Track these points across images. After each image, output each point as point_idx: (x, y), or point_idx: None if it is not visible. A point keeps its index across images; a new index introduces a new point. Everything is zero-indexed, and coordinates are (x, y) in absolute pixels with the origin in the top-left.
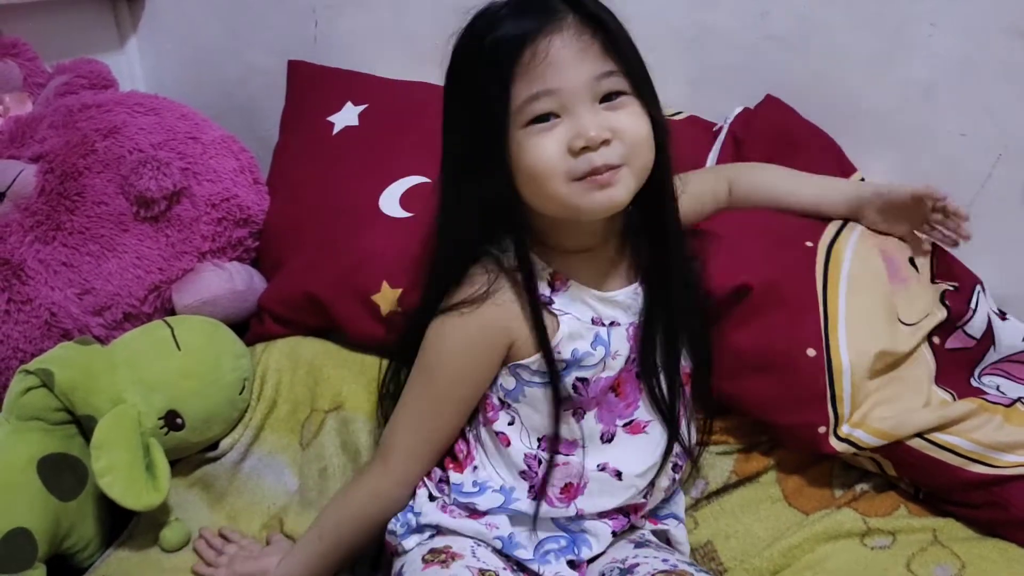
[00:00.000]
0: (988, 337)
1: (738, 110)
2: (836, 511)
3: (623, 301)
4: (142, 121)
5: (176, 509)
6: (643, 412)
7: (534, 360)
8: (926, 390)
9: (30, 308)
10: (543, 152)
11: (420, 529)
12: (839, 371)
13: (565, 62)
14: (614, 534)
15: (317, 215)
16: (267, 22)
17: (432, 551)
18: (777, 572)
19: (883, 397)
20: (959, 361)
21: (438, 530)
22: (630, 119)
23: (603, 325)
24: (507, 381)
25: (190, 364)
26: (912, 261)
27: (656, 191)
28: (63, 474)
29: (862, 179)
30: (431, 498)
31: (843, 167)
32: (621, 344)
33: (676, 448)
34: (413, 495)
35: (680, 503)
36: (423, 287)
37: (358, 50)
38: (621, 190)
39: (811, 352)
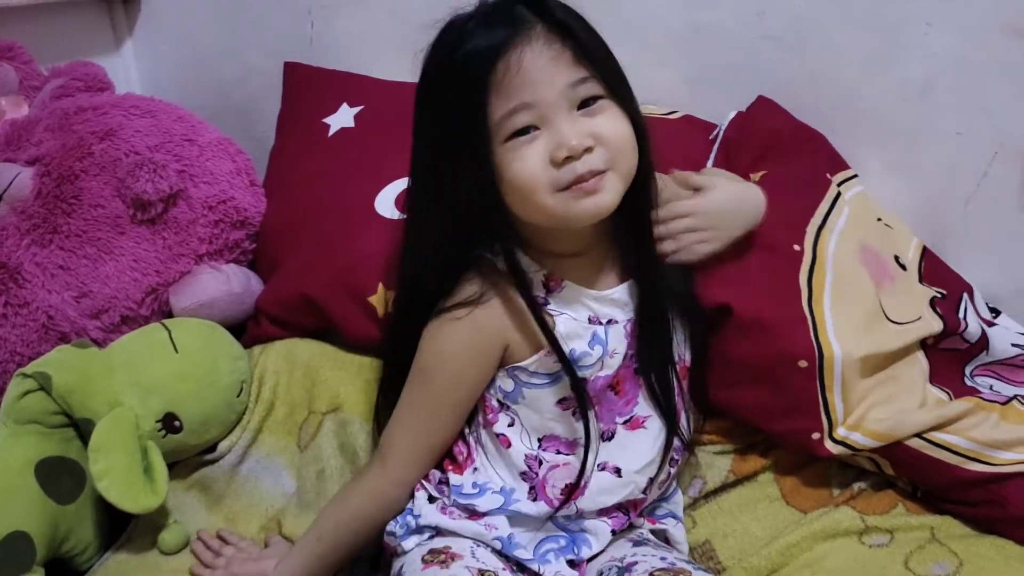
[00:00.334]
0: (982, 342)
1: (732, 115)
2: (834, 509)
3: (619, 299)
4: (138, 123)
5: (174, 512)
6: (642, 408)
7: (532, 362)
8: (921, 390)
9: (27, 311)
10: (526, 166)
11: (419, 530)
12: (830, 378)
13: (538, 73)
14: (613, 533)
15: (313, 217)
16: (263, 24)
17: (432, 551)
18: (775, 571)
19: (879, 398)
20: (951, 359)
21: (437, 531)
22: (610, 123)
23: (600, 324)
24: (505, 383)
25: (187, 367)
26: (898, 259)
27: (637, 189)
28: (61, 477)
29: (854, 176)
30: (431, 500)
31: (836, 166)
32: (618, 342)
33: (675, 442)
34: (411, 497)
35: (678, 502)
36: (396, 292)
37: (354, 51)
38: (608, 195)
39: (803, 364)
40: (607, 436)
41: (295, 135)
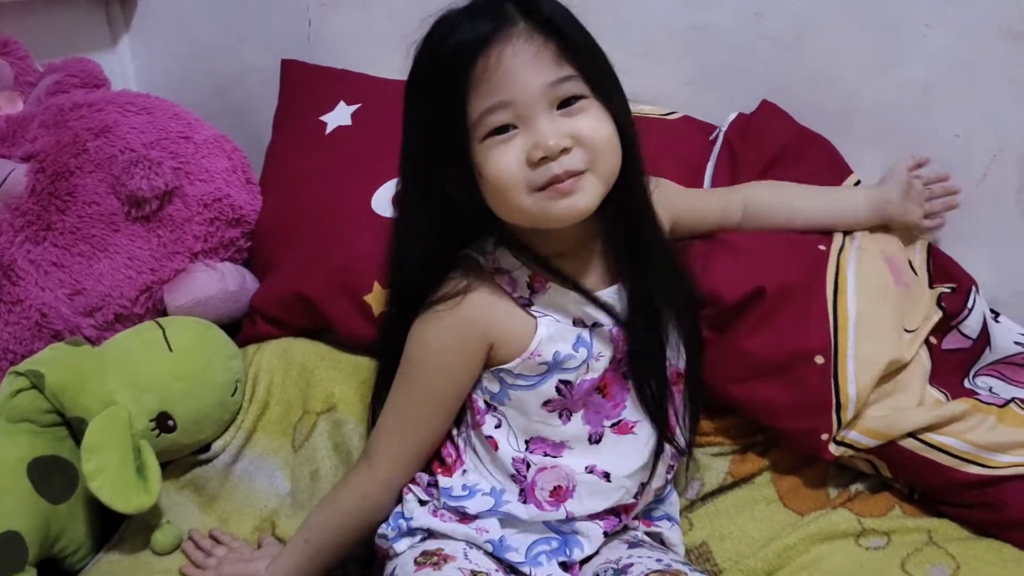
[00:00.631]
0: (984, 338)
1: (732, 116)
2: (831, 512)
3: (606, 302)
4: (134, 120)
5: (167, 512)
6: (630, 412)
7: (516, 364)
8: (919, 389)
9: (20, 309)
10: (503, 164)
11: (411, 532)
12: (844, 380)
13: (517, 71)
14: (606, 534)
15: (309, 215)
16: (260, 21)
17: (424, 553)
18: (772, 573)
19: (876, 396)
20: (954, 362)
21: (429, 533)
22: (591, 123)
23: (585, 327)
24: (492, 385)
25: (182, 365)
26: (911, 264)
27: (625, 190)
28: (53, 476)
29: (858, 182)
30: (421, 503)
31: (840, 171)
32: (604, 345)
33: (668, 449)
34: (400, 501)
35: (674, 504)
36: (390, 289)
37: (352, 49)
38: (584, 197)
39: (819, 360)
40: (594, 439)
41: (292, 133)
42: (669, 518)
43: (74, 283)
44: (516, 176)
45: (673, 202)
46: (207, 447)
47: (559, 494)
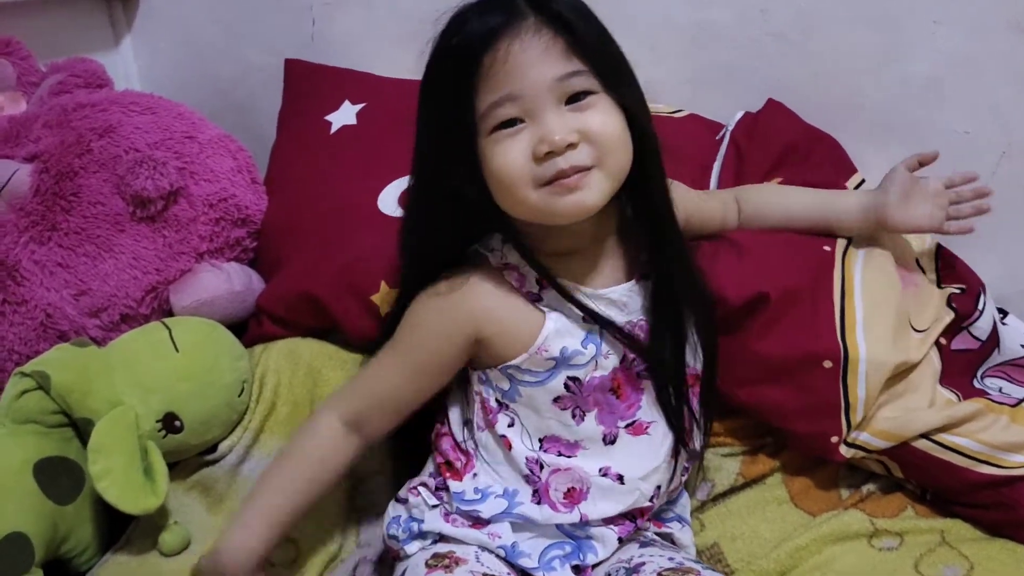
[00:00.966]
0: (993, 339)
1: (739, 115)
2: (843, 512)
3: (617, 299)
4: (138, 120)
5: (175, 513)
6: (645, 413)
7: (523, 359)
8: (930, 389)
9: (25, 309)
10: (508, 159)
11: (422, 535)
12: (854, 383)
13: (525, 65)
14: (620, 540)
15: (315, 215)
16: (263, 20)
17: (436, 556)
18: (784, 573)
19: (887, 397)
20: (963, 363)
21: (440, 537)
22: (599, 119)
23: (595, 324)
24: (502, 382)
25: (188, 366)
26: (918, 262)
27: (643, 186)
28: (60, 478)
29: (863, 180)
30: (431, 506)
31: (845, 170)
32: (613, 343)
33: (682, 451)
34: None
35: (685, 505)
36: (400, 285)
37: (356, 48)
38: (591, 193)
39: (827, 364)
40: (609, 439)
41: (296, 132)
42: (680, 519)
43: (79, 283)
44: (522, 170)
45: (684, 203)
46: (214, 448)
47: (573, 496)
